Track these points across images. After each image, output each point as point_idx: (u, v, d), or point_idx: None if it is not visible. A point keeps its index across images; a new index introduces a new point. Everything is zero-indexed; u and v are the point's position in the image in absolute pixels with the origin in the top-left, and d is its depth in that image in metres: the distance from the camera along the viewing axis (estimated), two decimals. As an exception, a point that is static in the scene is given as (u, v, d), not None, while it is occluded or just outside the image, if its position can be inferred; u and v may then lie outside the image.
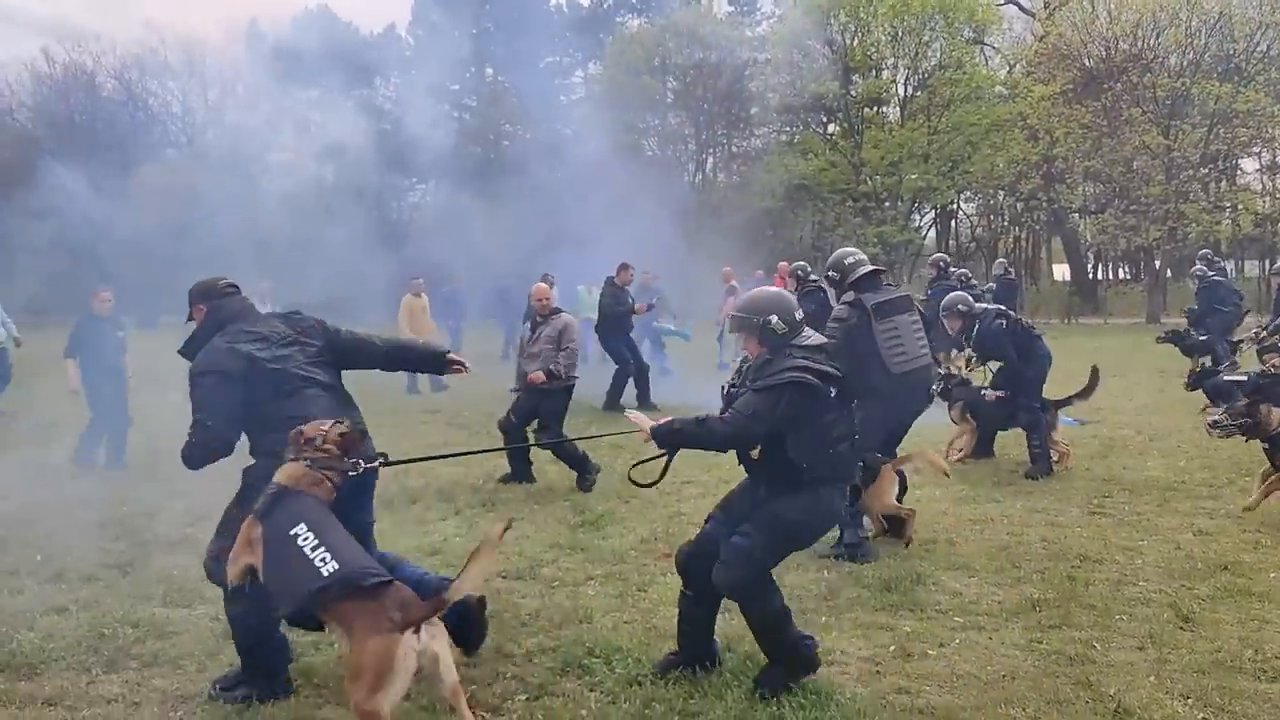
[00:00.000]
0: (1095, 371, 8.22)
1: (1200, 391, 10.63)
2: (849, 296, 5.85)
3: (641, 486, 4.06)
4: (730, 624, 4.46)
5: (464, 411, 11.93)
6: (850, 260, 6.10)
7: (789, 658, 3.78)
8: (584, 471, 7.58)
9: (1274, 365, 10.01)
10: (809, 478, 3.78)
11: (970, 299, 8.41)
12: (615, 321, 12.24)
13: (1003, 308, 8.29)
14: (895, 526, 5.83)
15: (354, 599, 3.14)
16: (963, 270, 14.85)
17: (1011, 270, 19.95)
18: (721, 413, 3.83)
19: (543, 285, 8.50)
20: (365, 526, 4.00)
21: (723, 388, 4.12)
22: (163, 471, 8.35)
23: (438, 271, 17.64)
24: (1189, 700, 3.59)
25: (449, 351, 4.52)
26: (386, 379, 13.55)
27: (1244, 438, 6.22)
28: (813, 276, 11.07)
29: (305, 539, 3.26)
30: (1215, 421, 6.25)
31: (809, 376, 3.70)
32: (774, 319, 3.86)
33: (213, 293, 4.09)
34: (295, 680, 3.89)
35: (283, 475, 3.50)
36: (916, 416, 6.08)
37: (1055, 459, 7.79)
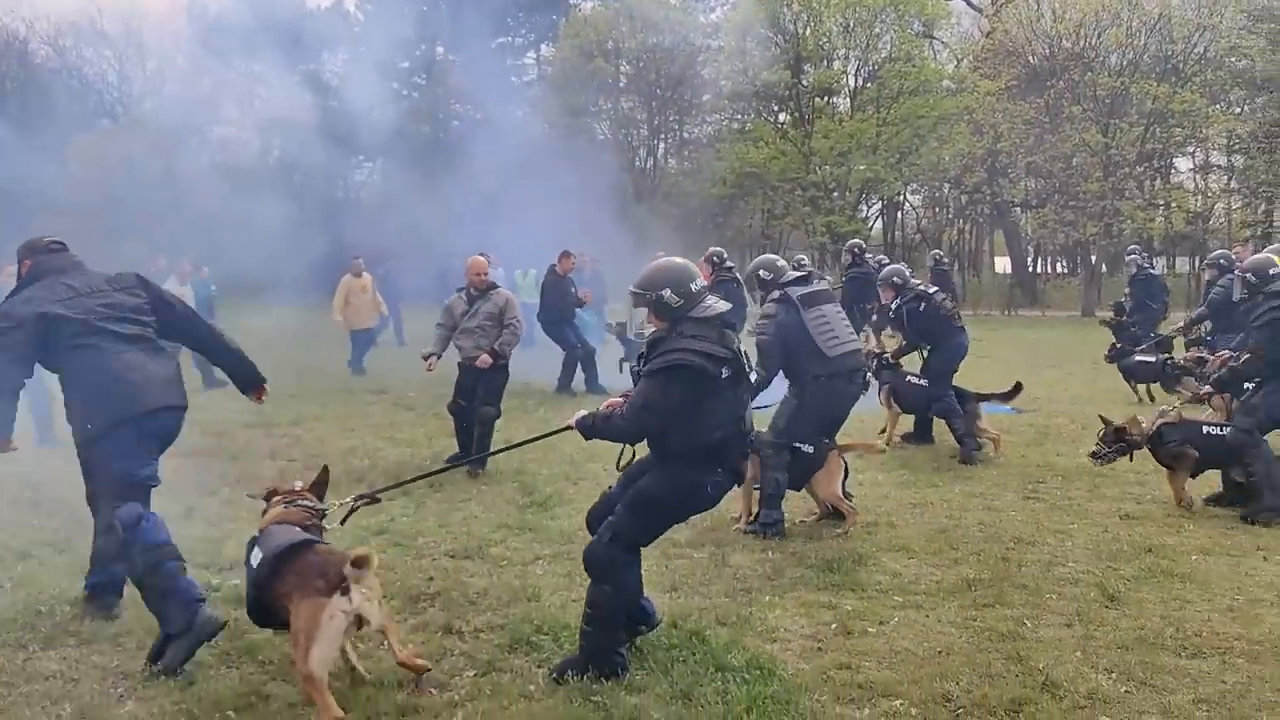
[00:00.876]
0: (1019, 385, 8.55)
1: (1128, 385, 11.15)
2: (776, 294, 5.98)
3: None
4: (676, 601, 4.55)
5: (409, 392, 11.84)
6: (782, 263, 6.34)
7: (595, 655, 3.69)
8: (483, 456, 7.45)
9: (1186, 359, 10.40)
10: (680, 458, 3.76)
11: (905, 273, 8.66)
12: (559, 309, 12.23)
13: (929, 290, 8.53)
14: (838, 513, 5.97)
15: (284, 576, 3.32)
16: (880, 257, 15.25)
17: (946, 260, 20.57)
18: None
19: (480, 258, 8.01)
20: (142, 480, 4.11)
21: (632, 369, 4.16)
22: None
23: (377, 251, 17.41)
24: (1113, 674, 3.75)
25: (263, 382, 4.79)
26: (337, 359, 13.36)
27: (1127, 459, 6.54)
28: (728, 264, 11.13)
29: (254, 556, 3.53)
30: (1095, 453, 6.58)
31: (692, 358, 3.62)
32: (666, 292, 3.75)
33: (37, 249, 4.31)
34: (240, 657, 3.87)
35: (263, 520, 3.82)
36: (854, 401, 6.21)
37: (985, 446, 8.05)
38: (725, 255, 11.35)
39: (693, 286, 3.78)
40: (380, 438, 8.94)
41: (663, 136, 38.91)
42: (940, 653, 3.98)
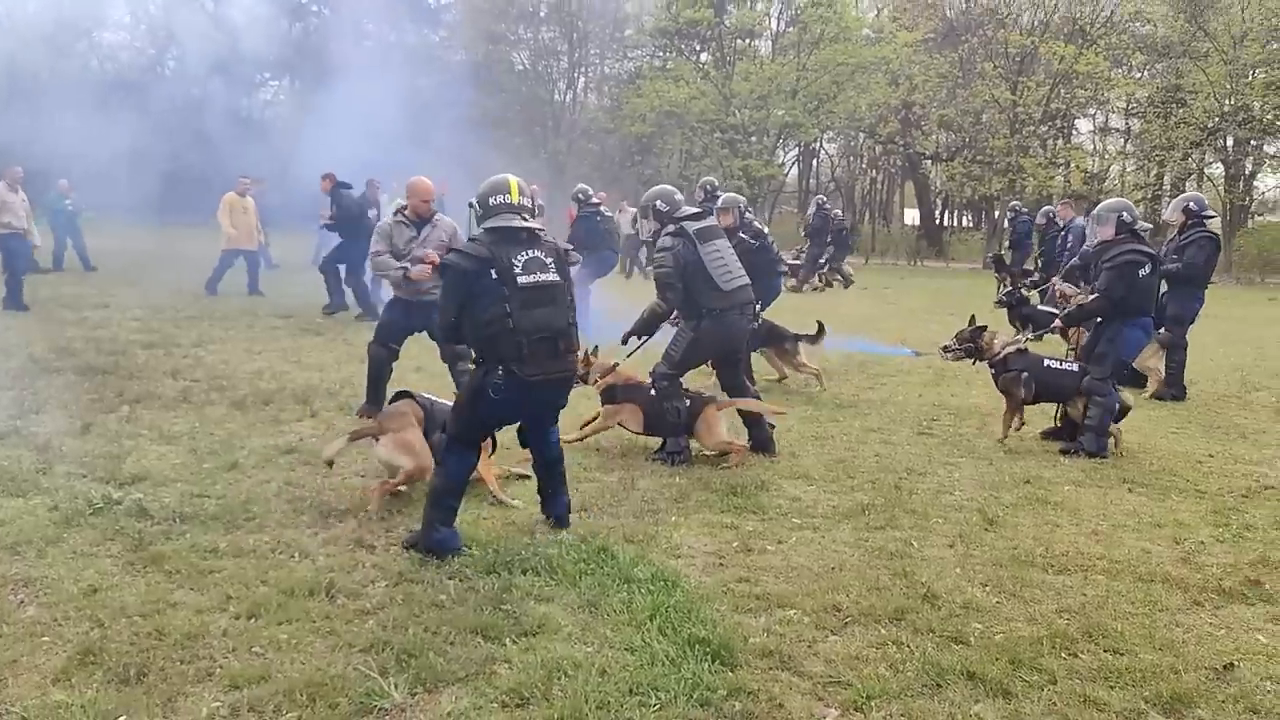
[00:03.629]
0: (821, 326, 9.01)
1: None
2: (672, 228, 6.06)
3: None
4: (586, 521, 4.70)
5: (315, 319, 11.63)
6: (679, 196, 6.37)
7: (426, 530, 4.17)
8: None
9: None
10: (477, 358, 4.30)
11: (743, 204, 8.91)
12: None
13: (765, 231, 8.98)
14: (763, 446, 6.19)
15: None
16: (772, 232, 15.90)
17: (829, 205, 21.28)
18: None
19: (427, 181, 6.81)
20: None
21: None
22: (-15, 364, 7.82)
23: (261, 171, 16.70)
24: (987, 587, 4.06)
25: None
26: (237, 281, 12.95)
27: (970, 361, 7.09)
28: (593, 200, 11.94)
29: None
30: (946, 347, 7.17)
31: (452, 257, 4.22)
32: (474, 203, 4.34)
33: None
34: (146, 567, 3.85)
35: None
36: (746, 334, 6.44)
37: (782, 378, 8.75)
38: (590, 192, 12.10)
39: (491, 201, 4.26)
40: (287, 361, 8.78)
41: (582, 70, 38.27)
42: (833, 569, 4.22)
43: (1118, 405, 6.58)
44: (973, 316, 7.24)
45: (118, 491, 4.71)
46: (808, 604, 3.81)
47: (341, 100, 17.78)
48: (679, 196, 6.33)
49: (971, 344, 6.99)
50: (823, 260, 20.00)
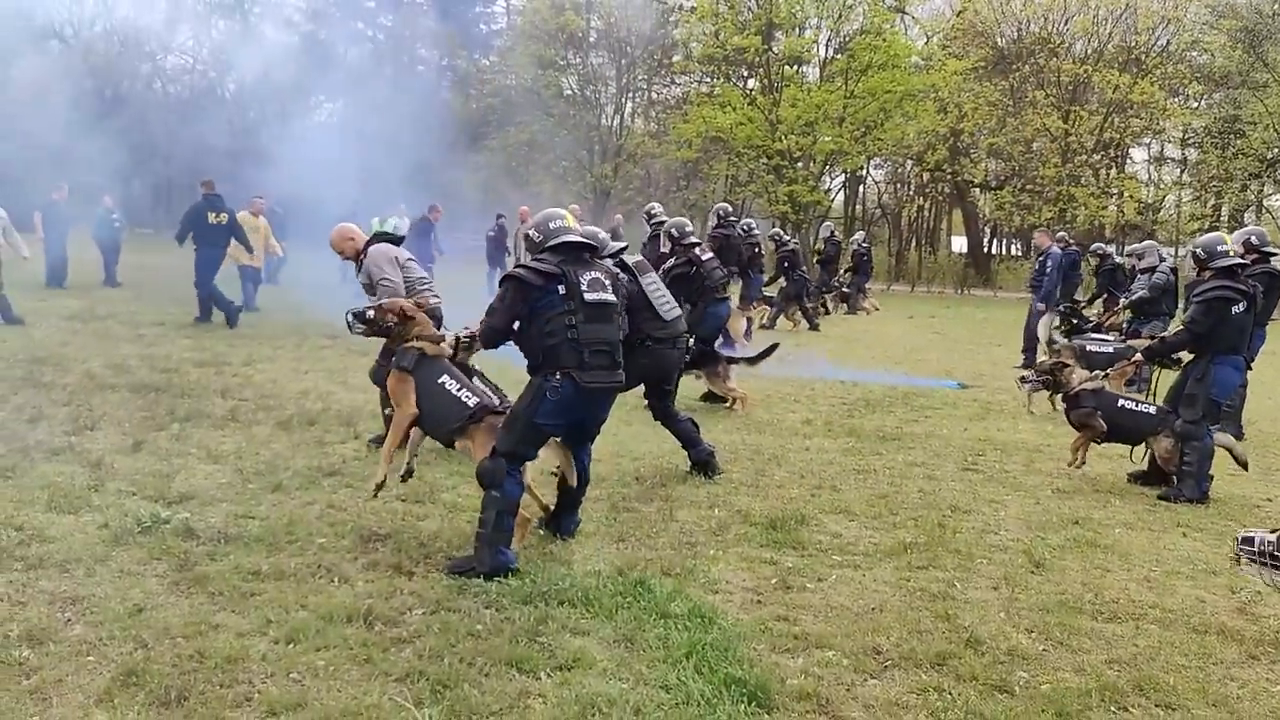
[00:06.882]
0: (772, 348, 8.96)
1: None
2: (609, 263, 6.10)
3: None
4: (624, 552, 4.68)
5: (363, 340, 11.76)
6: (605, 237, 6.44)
7: (484, 554, 4.22)
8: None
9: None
10: (532, 366, 4.47)
11: (686, 228, 8.94)
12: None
13: (704, 256, 8.88)
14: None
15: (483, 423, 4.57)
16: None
17: (837, 234, 21.57)
18: None
19: (341, 228, 6.98)
20: None
21: None
22: (45, 379, 8.05)
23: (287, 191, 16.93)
24: (1033, 634, 3.96)
25: None
26: (288, 299, 13.12)
27: (1048, 393, 7.09)
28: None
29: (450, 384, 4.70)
30: (1024, 378, 7.23)
31: (522, 270, 4.41)
32: (532, 231, 4.68)
33: None
34: (190, 588, 3.90)
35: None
36: (678, 366, 6.54)
37: (731, 402, 8.64)
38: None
39: (551, 225, 4.61)
40: (334, 382, 8.90)
41: (630, 95, 38.55)
42: (874, 609, 4.15)
43: (1214, 447, 6.39)
44: (1057, 350, 7.23)
45: (166, 510, 4.79)
46: (847, 645, 3.74)
47: (387, 122, 18.09)
48: (604, 235, 6.35)
49: (1050, 377, 6.95)
50: (833, 285, 20.20)
